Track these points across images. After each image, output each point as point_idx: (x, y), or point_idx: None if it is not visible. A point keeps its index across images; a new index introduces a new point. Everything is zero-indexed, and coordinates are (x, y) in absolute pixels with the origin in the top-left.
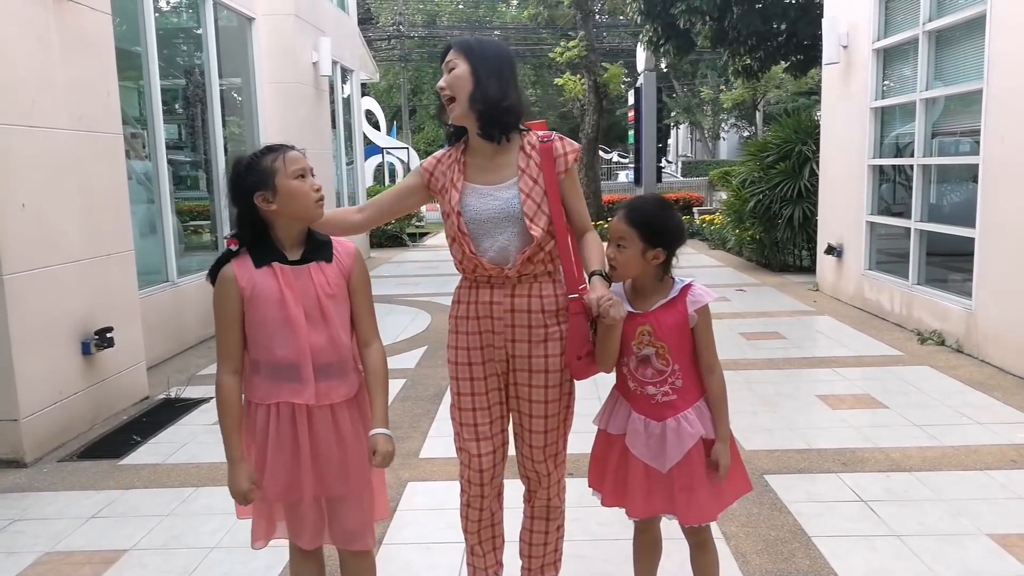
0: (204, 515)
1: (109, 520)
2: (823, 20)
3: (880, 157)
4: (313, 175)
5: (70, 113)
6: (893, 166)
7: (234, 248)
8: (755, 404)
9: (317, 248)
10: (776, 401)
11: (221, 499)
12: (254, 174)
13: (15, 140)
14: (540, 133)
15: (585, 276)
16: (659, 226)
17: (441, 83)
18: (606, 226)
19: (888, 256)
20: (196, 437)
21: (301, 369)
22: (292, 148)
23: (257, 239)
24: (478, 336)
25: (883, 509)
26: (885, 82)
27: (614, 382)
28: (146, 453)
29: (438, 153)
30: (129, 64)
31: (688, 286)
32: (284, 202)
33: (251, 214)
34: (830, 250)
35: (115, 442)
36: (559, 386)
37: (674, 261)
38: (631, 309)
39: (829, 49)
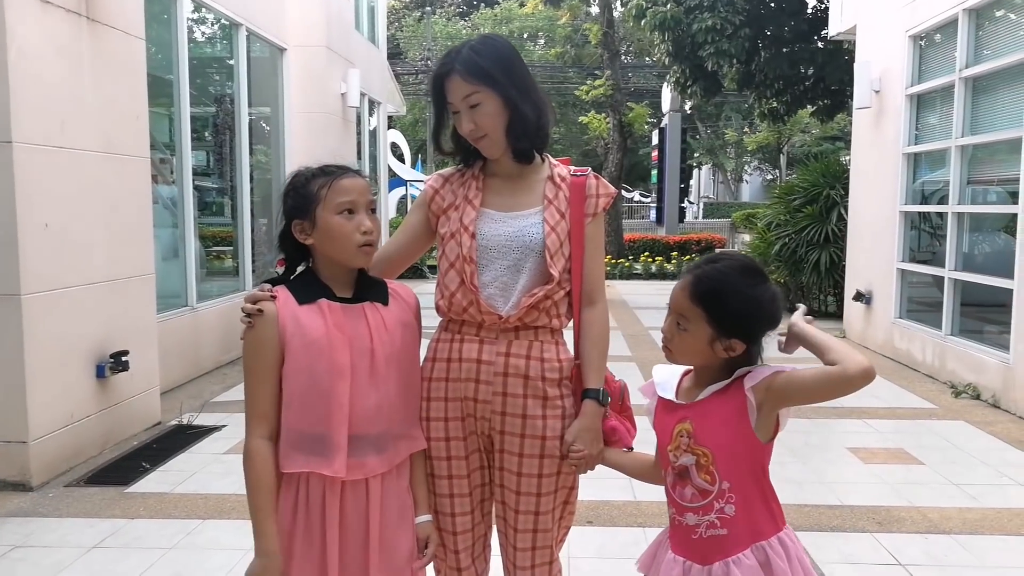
0: (210, 549)
1: (112, 551)
2: (855, 64)
3: (912, 203)
4: (373, 211)
5: (99, 135)
6: (925, 213)
7: (281, 270)
8: (783, 455)
9: (370, 287)
10: (805, 452)
11: (227, 532)
12: (296, 197)
13: (41, 159)
14: (573, 168)
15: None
16: (739, 308)
17: (466, 127)
18: (627, 264)
19: (919, 305)
20: (206, 466)
21: (334, 434)
22: (353, 173)
23: (303, 269)
24: (458, 404)
25: (922, 575)
26: (917, 128)
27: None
28: (154, 481)
29: (446, 171)
30: (160, 91)
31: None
32: (321, 239)
33: (292, 240)
34: (859, 296)
35: (123, 468)
36: (556, 475)
37: (762, 348)
38: (672, 398)
39: (860, 93)
